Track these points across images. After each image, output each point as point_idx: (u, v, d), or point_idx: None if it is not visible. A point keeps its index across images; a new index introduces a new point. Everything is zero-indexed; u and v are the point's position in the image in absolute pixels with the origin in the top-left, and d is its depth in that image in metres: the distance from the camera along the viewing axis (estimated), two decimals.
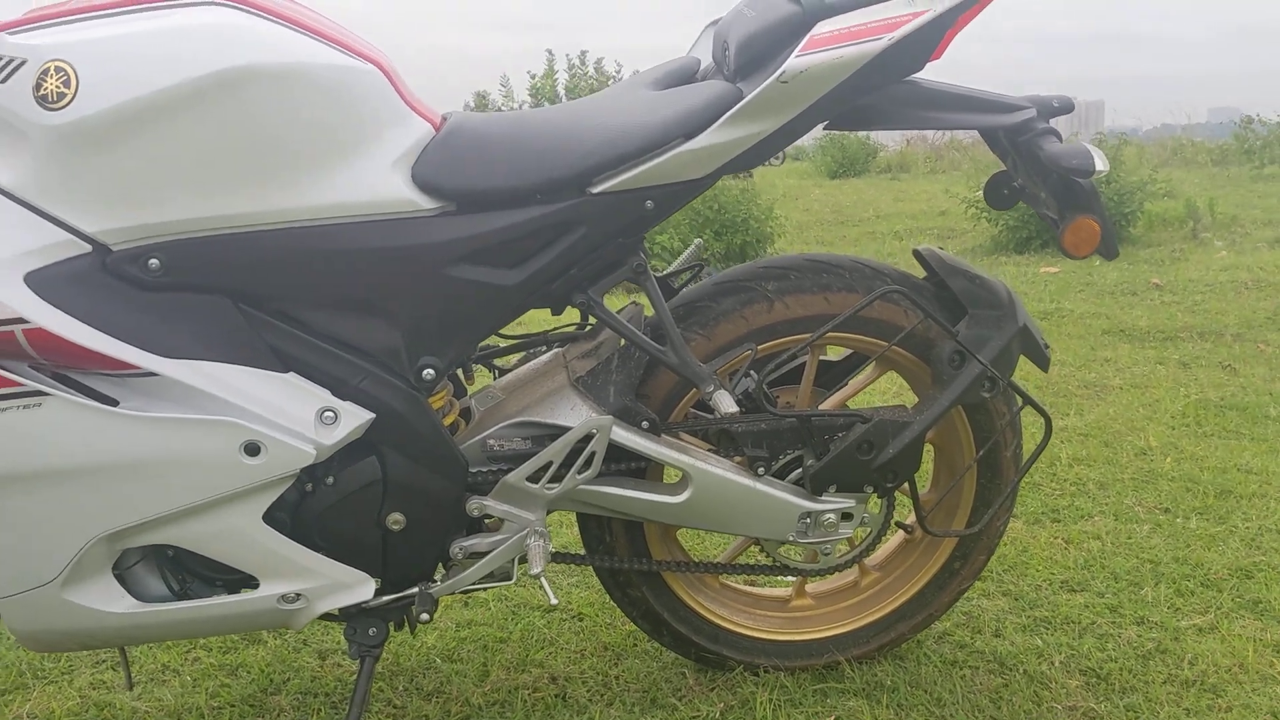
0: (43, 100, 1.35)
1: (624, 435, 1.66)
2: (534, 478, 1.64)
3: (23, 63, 1.37)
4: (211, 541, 1.55)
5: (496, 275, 1.58)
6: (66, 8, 1.44)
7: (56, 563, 1.50)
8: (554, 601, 1.61)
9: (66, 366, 1.45)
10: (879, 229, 9.14)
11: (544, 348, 1.89)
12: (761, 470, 1.75)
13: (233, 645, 2.07)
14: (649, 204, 1.61)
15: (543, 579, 1.61)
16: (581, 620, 2.16)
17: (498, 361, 1.92)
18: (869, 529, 1.88)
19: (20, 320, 1.37)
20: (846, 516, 1.79)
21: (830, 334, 1.75)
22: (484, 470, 1.68)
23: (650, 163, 1.57)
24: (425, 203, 1.53)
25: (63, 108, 1.35)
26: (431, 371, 1.59)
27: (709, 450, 1.78)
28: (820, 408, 1.82)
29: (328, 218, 1.50)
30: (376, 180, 1.51)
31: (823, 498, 1.77)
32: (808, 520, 1.77)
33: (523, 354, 1.92)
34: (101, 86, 1.36)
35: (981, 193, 1.92)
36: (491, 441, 1.70)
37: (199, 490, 1.49)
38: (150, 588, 1.60)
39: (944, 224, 9.09)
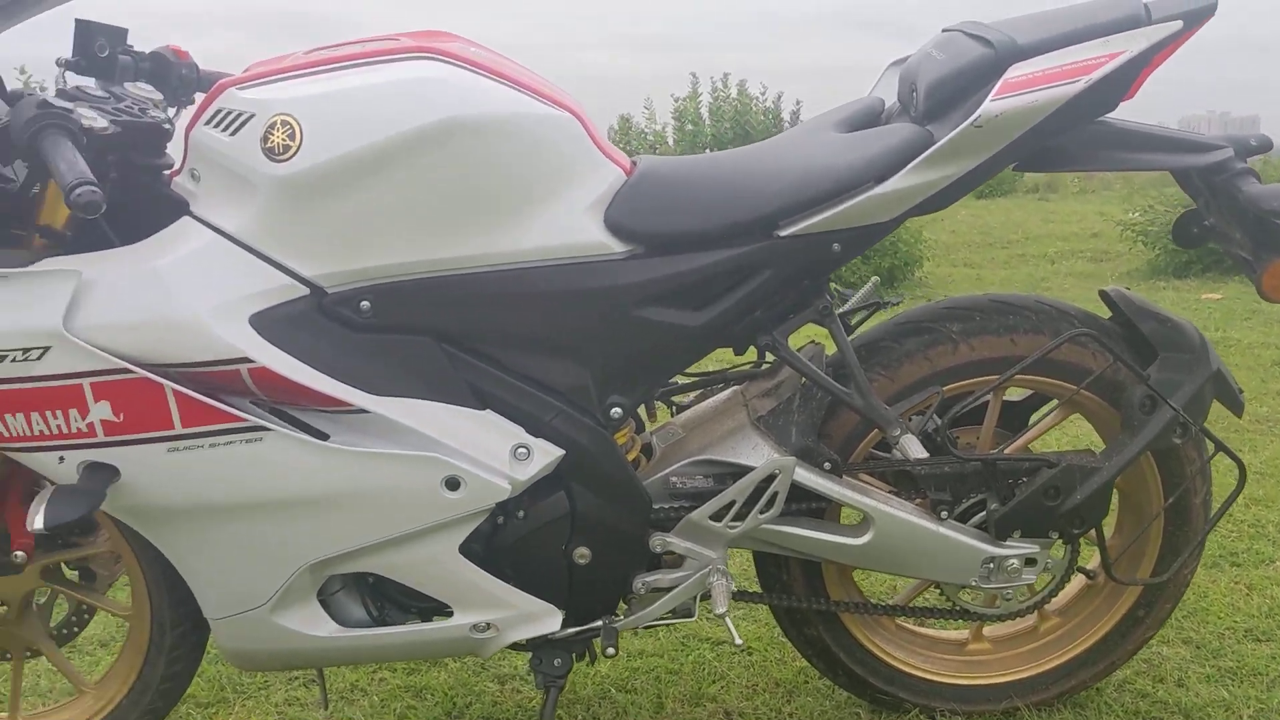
0: (269, 152, 1.44)
1: (807, 476, 1.67)
2: (717, 516, 1.66)
3: (251, 116, 1.45)
4: (410, 570, 1.61)
5: (683, 316, 1.61)
6: (285, 64, 1.53)
7: (268, 588, 1.59)
8: (739, 643, 1.63)
9: (283, 402, 1.54)
10: (1029, 251, 8.89)
11: (722, 385, 1.91)
12: (944, 514, 1.73)
13: (416, 667, 2.14)
14: (836, 247, 1.62)
15: (727, 619, 1.63)
16: (751, 654, 2.17)
17: (676, 398, 1.95)
18: (1052, 574, 1.84)
19: (245, 359, 1.46)
20: (1030, 562, 1.77)
21: (1017, 376, 1.73)
22: (666, 507, 1.71)
23: (839, 206, 1.58)
24: (616, 246, 1.57)
25: (288, 160, 1.44)
26: (619, 410, 1.63)
27: (889, 492, 1.77)
28: (1005, 451, 1.80)
29: (525, 261, 1.55)
30: (571, 224, 1.56)
31: (1007, 543, 1.75)
32: (991, 565, 1.75)
33: (700, 390, 1.95)
34: (323, 140, 1.44)
35: (1171, 233, 1.87)
36: (674, 479, 1.73)
37: (402, 522, 1.56)
38: (351, 613, 1.68)
39: (1097, 247, 8.80)
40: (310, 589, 1.63)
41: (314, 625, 1.64)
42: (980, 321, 1.75)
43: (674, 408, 1.94)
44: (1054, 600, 1.94)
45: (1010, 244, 9.43)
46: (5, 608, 1.71)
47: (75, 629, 1.82)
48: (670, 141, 15.95)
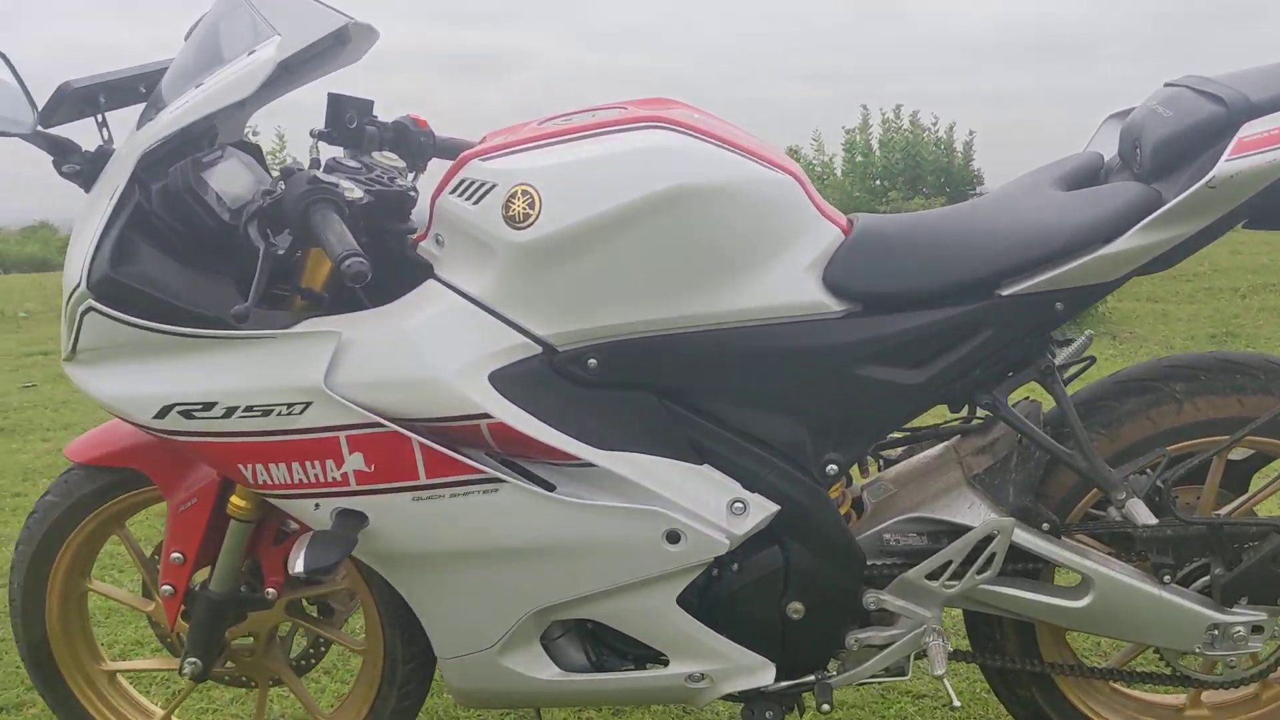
0: (510, 220, 1.52)
1: (1025, 537, 1.65)
2: (933, 575, 1.66)
3: (494, 186, 1.54)
4: (630, 619, 1.67)
5: (901, 374, 1.62)
6: (523, 135, 1.61)
7: (496, 631, 1.67)
8: (956, 705, 1.62)
9: (515, 454, 1.61)
10: (1216, 284, 8.48)
11: (933, 439, 1.91)
12: (1167, 578, 1.69)
13: (622, 708, 2.20)
14: (1059, 305, 1.61)
15: (945, 680, 1.63)
16: (954, 711, 2.14)
17: (885, 451, 1.96)
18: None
19: (485, 415, 1.54)
20: (1257, 629, 1.70)
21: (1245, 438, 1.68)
22: (880, 563, 1.72)
23: (1065, 267, 1.57)
24: (835, 305, 1.60)
25: (527, 227, 1.52)
26: (835, 467, 1.65)
27: (1108, 553, 1.73)
28: (1230, 514, 1.74)
29: (745, 320, 1.59)
30: (791, 284, 1.59)
31: (1233, 609, 1.69)
32: (1215, 632, 1.69)
33: (909, 444, 1.95)
34: (560, 208, 1.51)
35: None
36: (887, 535, 1.74)
37: (624, 572, 1.61)
38: (571, 658, 1.74)
39: None
40: (534, 633, 1.69)
41: (536, 668, 1.71)
42: (1205, 381, 1.70)
43: (882, 461, 1.95)
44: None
45: (1196, 277, 9.01)
46: (254, 639, 1.84)
47: (313, 660, 1.94)
48: (839, 173, 15.86)
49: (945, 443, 1.88)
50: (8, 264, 18.92)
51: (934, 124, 15.74)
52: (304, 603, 1.88)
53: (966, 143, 15.64)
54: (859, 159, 15.76)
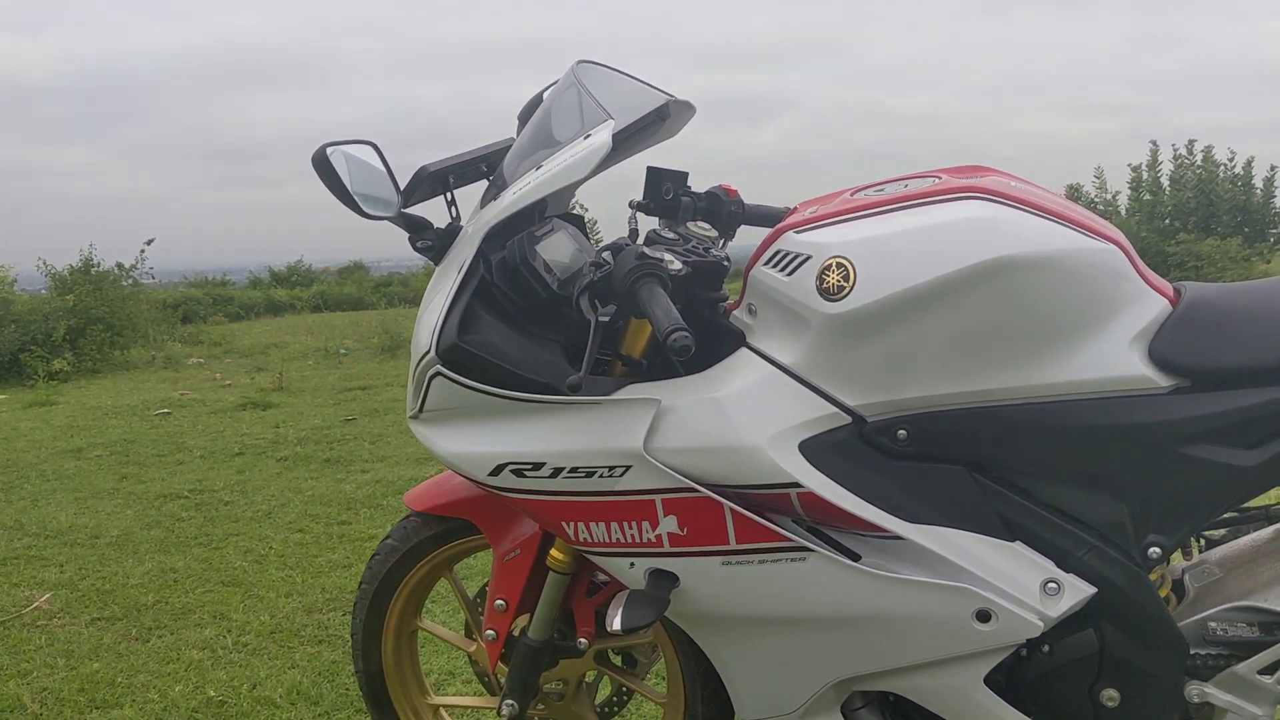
0: (824, 292, 1.55)
1: None
2: (1268, 670, 1.55)
3: (808, 259, 1.58)
4: (933, 696, 1.65)
5: (1234, 455, 1.54)
6: (836, 207, 1.64)
7: (798, 697, 1.69)
8: None
9: (821, 523, 1.64)
10: None
11: (1263, 520, 1.79)
12: None
13: None
14: None
15: None
16: None
17: (1207, 531, 1.85)
18: None
19: (795, 484, 1.57)
20: None
21: None
22: (1204, 654, 1.62)
23: None
24: (1161, 380, 1.54)
25: (841, 299, 1.54)
26: (1158, 550, 1.58)
27: None
28: None
29: (1064, 394, 1.55)
30: (1114, 358, 1.54)
31: None
32: None
33: (1234, 525, 1.84)
34: (876, 280, 1.53)
35: None
36: (1212, 624, 1.64)
37: (931, 649, 1.60)
38: None
39: None
40: (834, 703, 1.70)
41: None
42: None
43: (1203, 541, 1.84)
44: None
45: None
46: (564, 685, 1.94)
47: (616, 709, 2.02)
48: (1122, 211, 15.05)
49: (1277, 525, 1.76)
50: (329, 303, 20.74)
51: (1230, 159, 14.68)
52: (610, 653, 1.96)
53: (1267, 178, 14.49)
54: (1146, 197, 14.89)
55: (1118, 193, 15.41)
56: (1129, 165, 15.16)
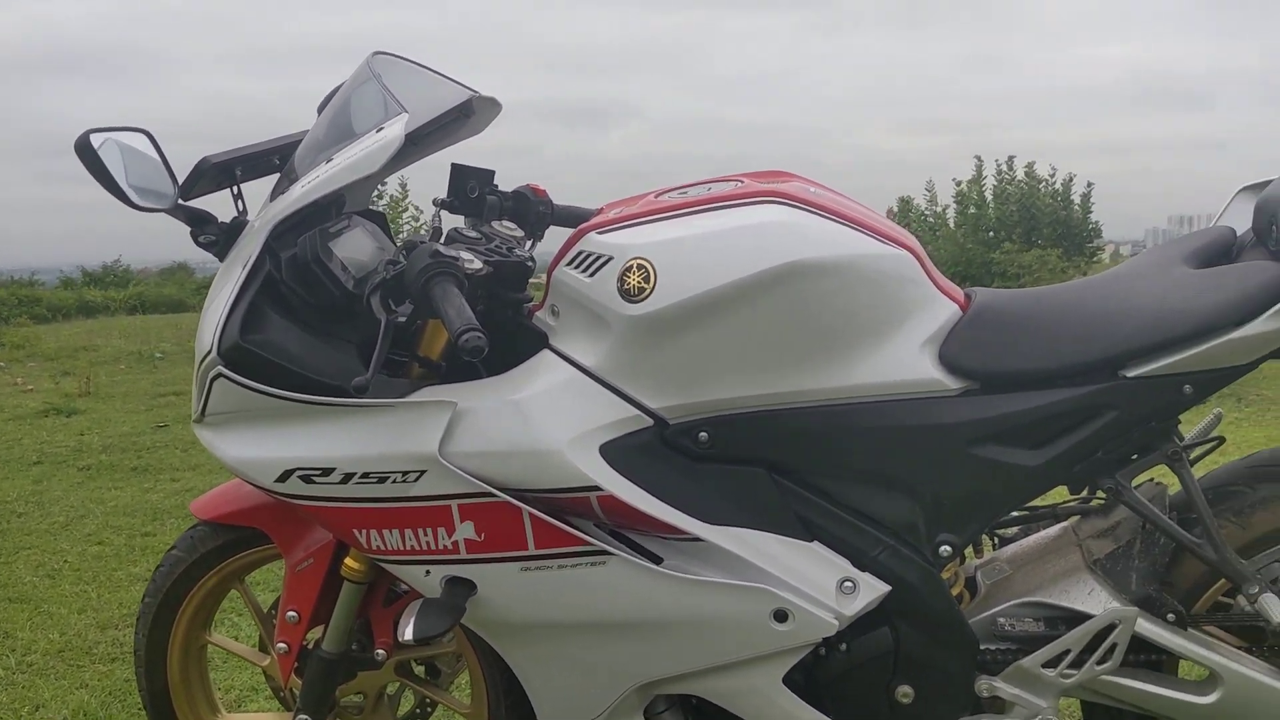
0: (626, 294, 1.53)
1: (1149, 628, 1.59)
2: (1050, 664, 1.60)
3: (609, 259, 1.56)
4: (734, 697, 1.64)
5: (1020, 456, 1.58)
6: (639, 209, 1.63)
7: (601, 703, 1.66)
8: None
9: (623, 526, 1.61)
10: None
11: (1050, 520, 1.85)
12: None
13: None
14: (1187, 389, 1.56)
15: None
16: None
17: (1000, 530, 1.91)
18: None
19: (595, 488, 1.54)
20: None
21: None
22: (994, 649, 1.67)
23: (1193, 349, 1.52)
24: (951, 383, 1.57)
25: (642, 300, 1.52)
26: (948, 548, 1.62)
27: (1239, 647, 1.66)
28: None
29: (858, 396, 1.57)
30: (906, 361, 1.57)
31: None
32: None
33: (1024, 524, 1.89)
34: (675, 282, 1.52)
35: None
36: (1001, 620, 1.69)
37: (730, 650, 1.59)
38: None
39: None
40: (637, 707, 1.68)
41: None
42: None
43: (997, 540, 1.90)
44: None
45: None
46: (363, 698, 1.87)
47: None
48: (951, 224, 15.66)
49: (1064, 524, 1.83)
50: (147, 305, 19.83)
51: (1050, 175, 15.47)
52: (412, 663, 1.90)
53: (1084, 194, 15.32)
54: (972, 210, 15.55)
55: (947, 206, 16.06)
56: (954, 180, 15.82)
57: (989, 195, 15.43)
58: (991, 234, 15.05)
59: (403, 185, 11.70)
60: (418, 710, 1.95)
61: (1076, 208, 15.29)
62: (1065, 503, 1.85)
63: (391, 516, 1.58)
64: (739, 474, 1.61)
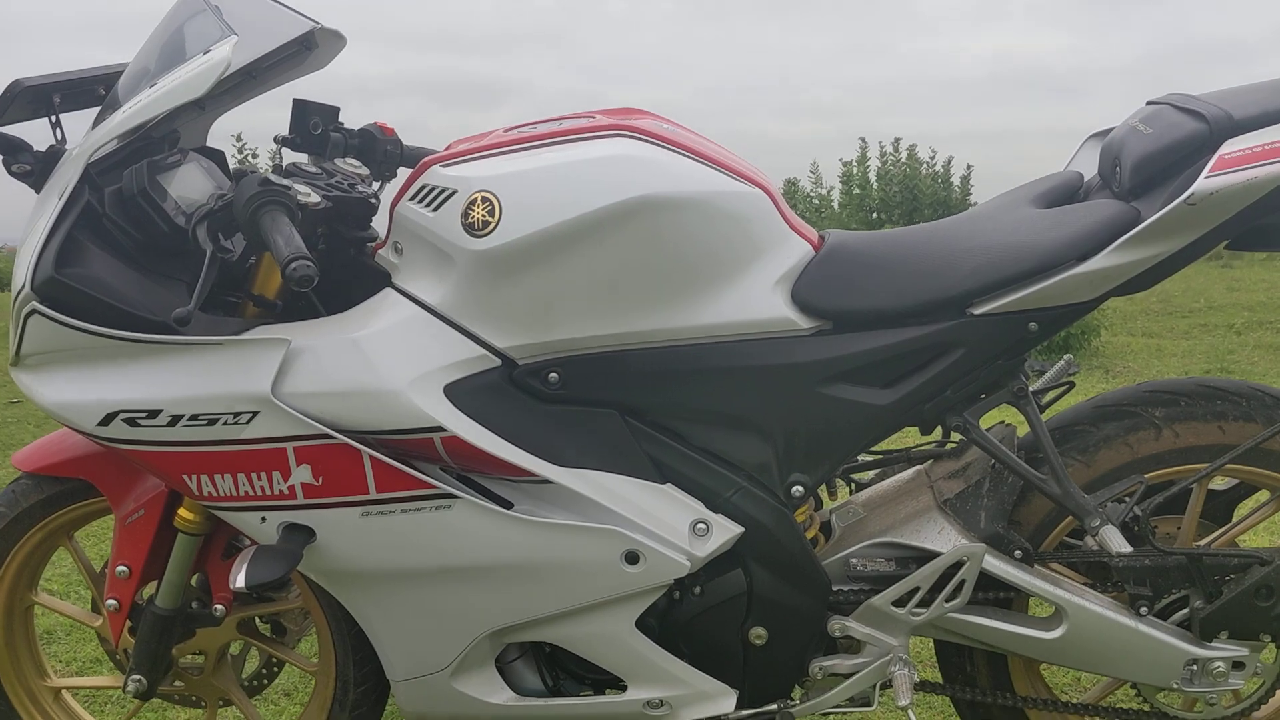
0: (469, 228, 1.48)
1: (996, 565, 1.60)
2: (900, 602, 1.61)
3: (453, 193, 1.50)
4: (587, 642, 1.61)
5: (871, 395, 1.58)
6: (486, 142, 1.57)
7: (449, 653, 1.61)
8: None
9: (471, 470, 1.57)
10: (1212, 321, 8.45)
11: (904, 464, 1.86)
12: (1144, 610, 1.63)
13: None
14: (1032, 326, 1.57)
15: (910, 712, 1.57)
16: None
17: (856, 475, 1.91)
18: (1262, 680, 1.72)
19: (439, 429, 1.49)
20: (1238, 665, 1.65)
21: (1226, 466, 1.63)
22: (846, 589, 1.67)
23: (1038, 285, 1.53)
24: (803, 322, 1.56)
25: (486, 235, 1.47)
26: (801, 488, 1.61)
27: (1083, 583, 1.68)
28: (1210, 545, 1.69)
29: (709, 336, 1.55)
30: (759, 300, 1.55)
31: (1212, 644, 1.63)
32: (1194, 667, 1.64)
33: (880, 468, 1.90)
34: (521, 216, 1.47)
35: None
36: (854, 560, 1.69)
37: (581, 594, 1.56)
38: (527, 682, 1.69)
39: None
40: (488, 656, 1.64)
41: (491, 692, 1.65)
42: (1186, 407, 1.66)
43: (853, 485, 1.90)
44: (1262, 708, 1.81)
45: (1192, 313, 8.99)
46: (203, 657, 1.79)
47: (265, 681, 1.88)
48: (835, 205, 15.92)
49: (917, 467, 1.84)
50: (5, 281, 18.94)
51: (931, 157, 15.83)
52: (256, 621, 1.82)
53: (964, 176, 15.71)
54: (856, 191, 15.82)
55: (832, 188, 16.31)
56: (840, 160, 16.08)
57: (873, 177, 15.72)
58: (875, 215, 15.34)
59: (238, 138, 11.14)
60: (264, 670, 1.88)
61: (956, 189, 15.68)
62: (919, 446, 1.86)
63: (223, 460, 1.50)
64: (590, 415, 1.57)
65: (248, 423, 1.48)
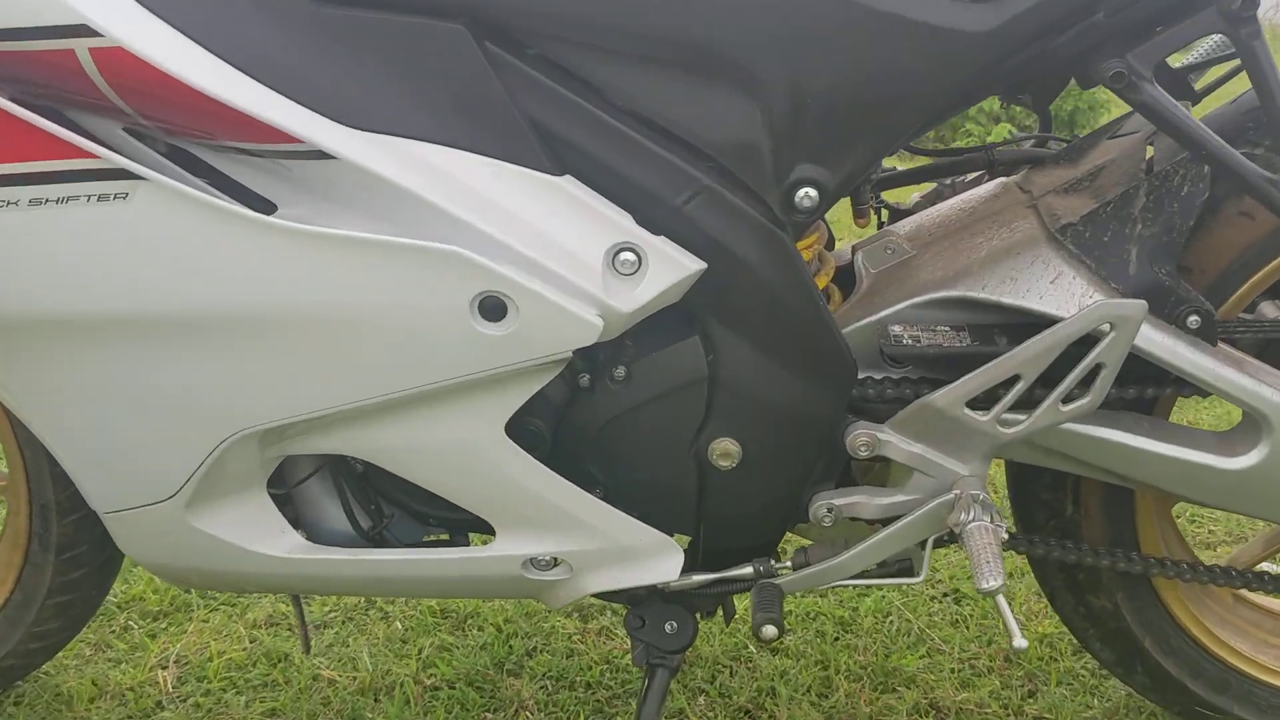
0: None
1: (1158, 339, 0.89)
2: (979, 402, 0.89)
3: None
4: (419, 461, 0.91)
5: (957, 12, 0.82)
6: None
7: (173, 470, 0.91)
8: (1020, 644, 0.88)
9: (180, 132, 0.82)
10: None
11: (982, 170, 1.13)
12: None
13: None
14: None
15: (1000, 598, 0.89)
16: (960, 603, 1.43)
17: (888, 191, 1.17)
18: None
19: (84, 29, 0.74)
20: None
21: None
22: (880, 379, 0.95)
23: None
24: None
25: None
26: (813, 193, 0.87)
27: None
28: None
29: None
30: None
31: None
32: None
33: (935, 181, 1.17)
34: None
35: None
36: (895, 328, 0.96)
37: (395, 372, 0.85)
38: (326, 520, 1.00)
39: None
40: (250, 478, 0.94)
41: (260, 536, 0.97)
42: None
43: (884, 208, 1.16)
44: None
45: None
46: None
47: None
48: None
49: (1003, 179, 1.10)
50: None
51: None
52: None
53: None
54: None
55: None
56: None
57: None
58: None
59: None
60: None
61: None
62: (1008, 142, 1.12)
63: None
64: (413, 33, 0.81)
65: None
